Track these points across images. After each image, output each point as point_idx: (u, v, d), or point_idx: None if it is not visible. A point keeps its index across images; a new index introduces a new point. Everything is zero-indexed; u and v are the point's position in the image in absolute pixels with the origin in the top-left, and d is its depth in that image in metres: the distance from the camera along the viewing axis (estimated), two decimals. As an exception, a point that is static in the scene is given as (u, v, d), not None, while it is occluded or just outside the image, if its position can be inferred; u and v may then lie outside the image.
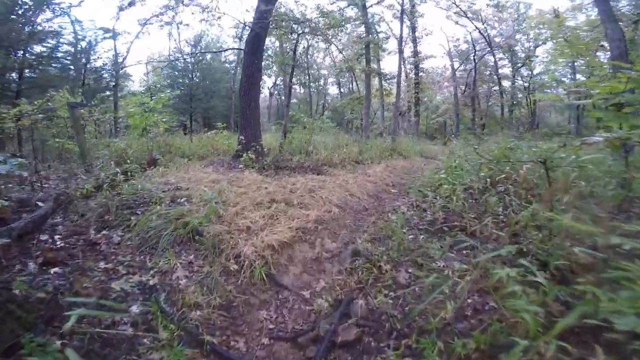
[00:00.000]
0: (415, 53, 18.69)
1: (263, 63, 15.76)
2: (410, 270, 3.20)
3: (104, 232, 3.63)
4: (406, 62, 20.99)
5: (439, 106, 35.39)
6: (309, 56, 25.52)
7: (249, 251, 3.18)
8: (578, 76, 29.82)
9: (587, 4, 15.90)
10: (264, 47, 10.25)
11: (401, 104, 29.12)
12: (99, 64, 16.41)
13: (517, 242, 3.45)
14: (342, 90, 32.35)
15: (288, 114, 10.37)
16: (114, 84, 16.03)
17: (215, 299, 2.87)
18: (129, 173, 4.88)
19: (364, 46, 14.60)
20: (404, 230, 3.80)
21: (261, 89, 32.34)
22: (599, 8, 7.65)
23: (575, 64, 20.72)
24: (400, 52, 12.32)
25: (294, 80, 33.44)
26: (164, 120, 9.94)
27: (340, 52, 17.82)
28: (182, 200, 4.19)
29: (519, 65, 26.19)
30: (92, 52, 16.31)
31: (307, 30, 11.10)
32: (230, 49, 17.11)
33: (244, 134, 7.30)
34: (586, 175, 3.95)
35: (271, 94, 29.31)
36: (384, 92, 16.63)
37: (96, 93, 14.60)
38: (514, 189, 4.05)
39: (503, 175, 4.35)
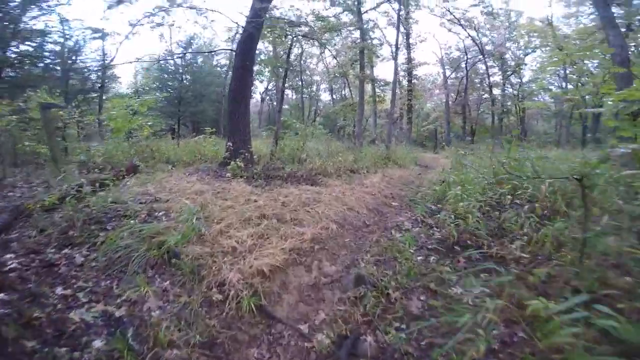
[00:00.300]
0: (409, 59, 18.47)
1: (255, 67, 15.33)
2: (422, 298, 2.76)
3: (66, 250, 3.09)
4: (399, 68, 20.79)
5: (429, 113, 35.40)
6: (302, 61, 25.24)
7: (235, 278, 2.67)
8: (568, 85, 30.31)
9: (582, 11, 15.90)
10: (257, 50, 9.83)
11: (394, 111, 29.04)
12: (84, 64, 15.72)
13: (540, 263, 3.05)
14: (334, 96, 32.08)
15: (280, 119, 9.86)
16: (99, 85, 15.33)
17: (195, 335, 2.37)
18: (97, 183, 4.30)
19: (358, 52, 14.29)
20: (412, 251, 3.35)
21: (252, 93, 31.68)
22: (600, 14, 7.43)
23: (567, 71, 20.61)
24: (395, 58, 12.02)
25: (286, 85, 33.13)
26: (149, 124, 9.39)
27: (335, 57, 17.49)
28: (160, 214, 3.65)
29: (509, 73, 26.33)
30: (79, 52, 15.62)
31: (301, 33, 10.72)
32: (221, 49, 16.60)
33: (232, 140, 6.76)
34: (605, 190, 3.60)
35: (263, 99, 28.82)
36: (377, 99, 16.33)
37: (79, 94, 13.89)
38: (534, 206, 3.65)
39: (519, 191, 3.96)
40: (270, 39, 12.63)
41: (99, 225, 3.39)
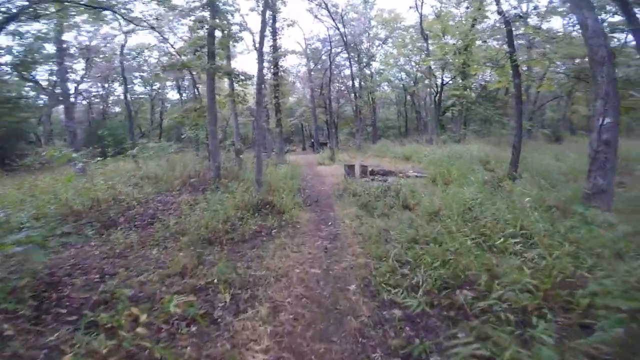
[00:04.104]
0: (275, 47, 13.86)
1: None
2: None
3: None
4: (264, 58, 16.18)
5: (294, 108, 32.31)
6: (123, 51, 17.68)
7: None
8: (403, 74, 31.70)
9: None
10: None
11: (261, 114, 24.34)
12: None
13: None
14: (183, 95, 24.95)
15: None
16: None
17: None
18: None
19: (206, 34, 9.03)
20: None
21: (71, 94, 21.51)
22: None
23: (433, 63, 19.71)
24: (262, 38, 7.09)
25: (114, 85, 23.94)
26: None
27: (171, 45, 11.64)
28: None
29: (364, 65, 25.18)
30: None
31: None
32: None
33: None
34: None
35: (73, 103, 19.43)
36: (237, 98, 11.40)
37: None
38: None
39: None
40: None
41: None
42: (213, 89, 9.05)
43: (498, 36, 11.58)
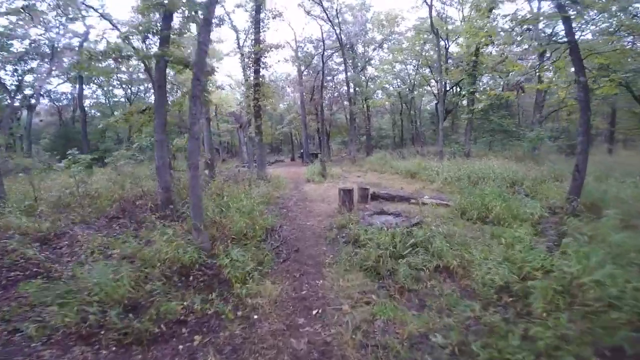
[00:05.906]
0: (257, 41, 11.34)
1: None
2: None
3: None
4: (245, 57, 13.77)
5: (283, 115, 30.07)
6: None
7: None
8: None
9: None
10: None
11: (241, 115, 21.93)
12: None
13: None
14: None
15: None
16: None
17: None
18: None
19: (160, 15, 6.72)
20: None
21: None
22: None
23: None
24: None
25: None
26: None
27: (115, 27, 9.34)
28: None
29: (359, 69, 23.10)
30: None
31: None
32: None
33: None
34: None
35: (31, 106, 16.72)
36: (205, 96, 8.95)
37: None
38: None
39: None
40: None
41: None
42: (163, 84, 6.66)
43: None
